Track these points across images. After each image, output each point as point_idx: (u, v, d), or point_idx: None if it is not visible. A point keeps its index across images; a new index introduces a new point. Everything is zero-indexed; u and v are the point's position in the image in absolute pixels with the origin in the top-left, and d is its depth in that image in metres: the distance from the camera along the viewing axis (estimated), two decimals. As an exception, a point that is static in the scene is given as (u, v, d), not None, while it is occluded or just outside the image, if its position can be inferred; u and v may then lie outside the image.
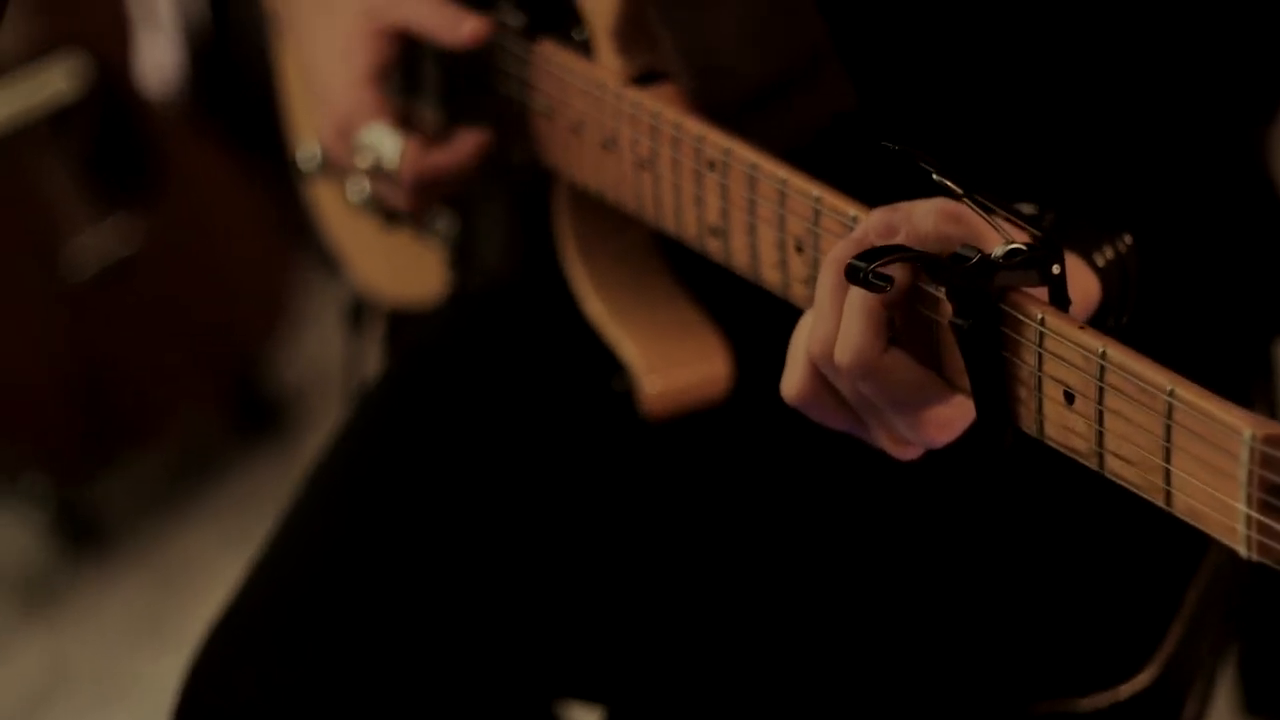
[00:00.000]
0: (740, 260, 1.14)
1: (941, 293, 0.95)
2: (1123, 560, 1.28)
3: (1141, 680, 1.27)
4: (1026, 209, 1.11)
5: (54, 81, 2.72)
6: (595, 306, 1.31)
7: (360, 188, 1.38)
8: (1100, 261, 1.07)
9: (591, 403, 1.36)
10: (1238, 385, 1.32)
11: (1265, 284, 1.23)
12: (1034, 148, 1.21)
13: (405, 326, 1.64)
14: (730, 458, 1.34)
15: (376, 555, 1.32)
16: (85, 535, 2.82)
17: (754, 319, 1.20)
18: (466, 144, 1.33)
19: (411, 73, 1.47)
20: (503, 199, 1.42)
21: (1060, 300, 0.94)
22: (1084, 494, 1.23)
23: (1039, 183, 1.14)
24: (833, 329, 0.97)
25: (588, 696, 1.35)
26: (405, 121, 1.36)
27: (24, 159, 2.73)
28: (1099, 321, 1.08)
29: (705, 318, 1.30)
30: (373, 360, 1.70)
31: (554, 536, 1.33)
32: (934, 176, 0.93)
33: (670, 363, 1.28)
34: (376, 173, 1.32)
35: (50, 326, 2.76)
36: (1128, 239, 1.09)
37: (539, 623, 1.31)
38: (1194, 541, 1.21)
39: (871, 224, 0.97)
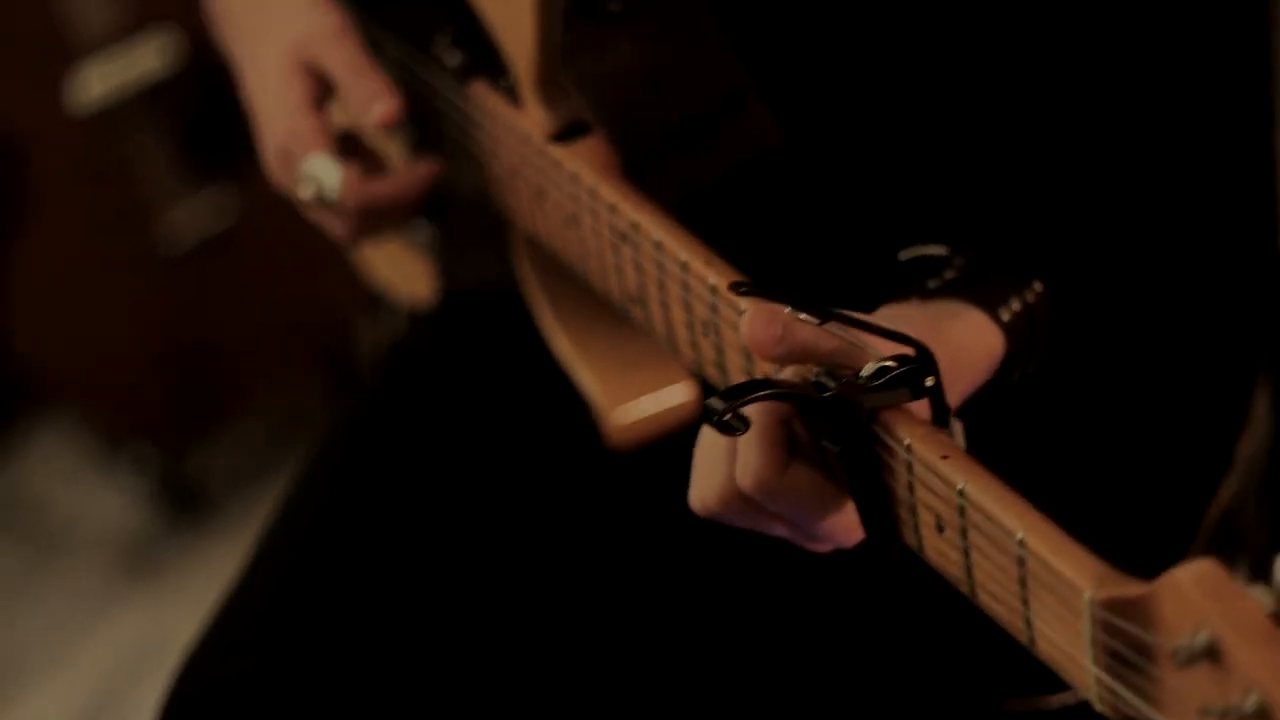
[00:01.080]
0: (659, 332, 1.12)
1: (817, 415, 0.94)
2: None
3: None
4: (937, 250, 1.09)
5: (148, 58, 2.73)
6: (558, 342, 1.31)
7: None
8: (1005, 316, 1.05)
9: (575, 410, 1.35)
10: (1220, 430, 1.29)
11: (1236, 326, 1.20)
12: (955, 185, 1.18)
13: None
14: None
15: (369, 554, 1.33)
16: (186, 503, 2.87)
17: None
18: (409, 175, 1.32)
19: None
20: (475, 211, 1.41)
21: (940, 412, 0.93)
22: (1052, 489, 1.23)
23: (956, 222, 1.12)
24: (724, 457, 0.97)
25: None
26: (349, 148, 1.35)
27: (120, 135, 2.76)
28: (1004, 374, 1.06)
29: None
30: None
31: (540, 537, 1.33)
32: (788, 310, 0.92)
33: (632, 395, 1.27)
34: (319, 203, 1.32)
35: (148, 299, 2.80)
36: (1038, 287, 1.06)
37: (525, 622, 1.32)
38: (1174, 537, 1.21)
39: (757, 332, 0.96)
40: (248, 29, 1.38)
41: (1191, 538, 1.25)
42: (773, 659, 1.26)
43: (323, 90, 1.33)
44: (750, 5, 1.19)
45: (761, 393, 0.91)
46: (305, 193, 1.31)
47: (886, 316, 1.02)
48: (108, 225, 2.76)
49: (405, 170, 1.33)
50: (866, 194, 1.22)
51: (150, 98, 2.74)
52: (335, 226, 1.35)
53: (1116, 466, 1.25)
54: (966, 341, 1.03)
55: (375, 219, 1.34)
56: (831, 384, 0.91)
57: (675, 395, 1.27)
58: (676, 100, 1.17)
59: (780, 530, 0.99)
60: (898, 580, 1.22)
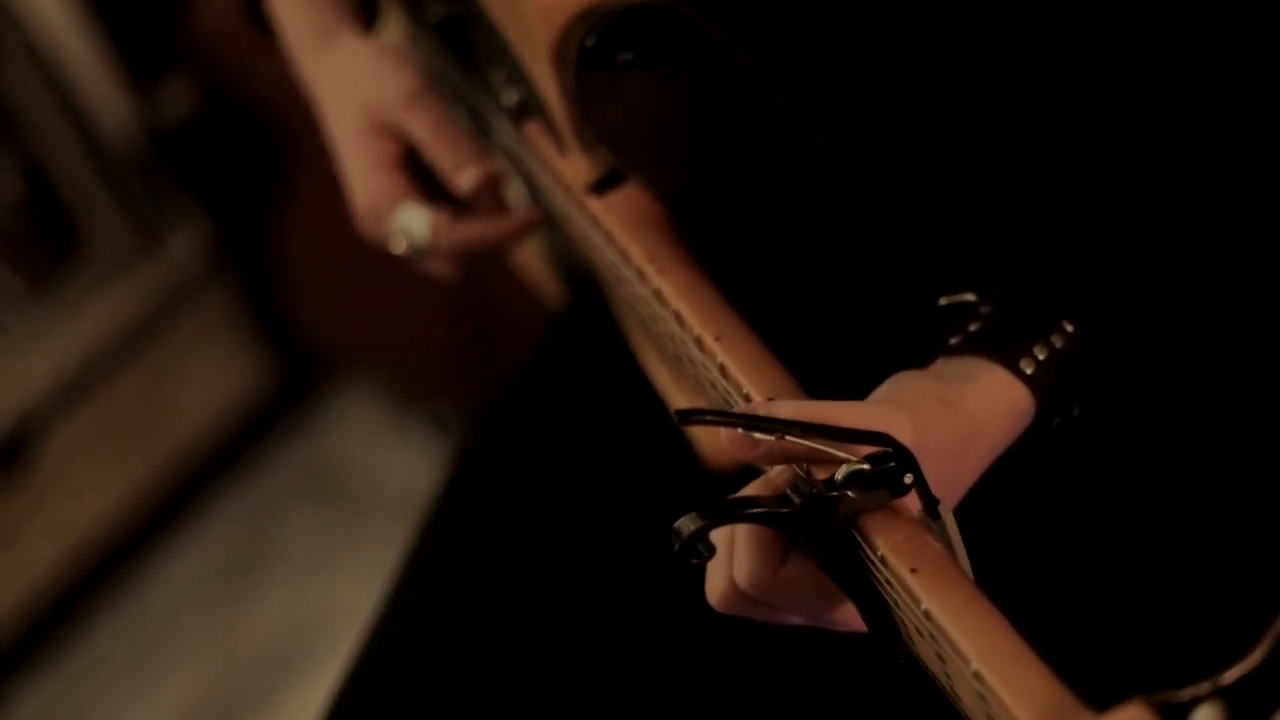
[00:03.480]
0: (697, 394, 1.09)
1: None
2: (1224, 542, 1.19)
3: (1252, 660, 1.18)
4: (969, 298, 1.03)
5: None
6: (652, 375, 1.28)
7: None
8: (1029, 369, 0.99)
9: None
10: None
11: None
12: (981, 224, 1.11)
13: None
14: None
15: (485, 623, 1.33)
16: None
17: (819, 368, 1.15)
18: (500, 224, 1.31)
19: (476, 115, 1.44)
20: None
21: (930, 505, 0.88)
22: (1181, 472, 1.16)
23: (984, 263, 1.06)
24: (725, 555, 0.94)
25: None
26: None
27: None
28: (1041, 426, 1.00)
29: None
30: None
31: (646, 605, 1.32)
32: (742, 430, 0.88)
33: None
34: (414, 254, 1.31)
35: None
36: (1068, 329, 0.99)
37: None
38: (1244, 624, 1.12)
39: (733, 441, 0.93)
40: (322, 82, 1.37)
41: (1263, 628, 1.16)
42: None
43: (404, 150, 1.32)
44: (774, 35, 1.14)
45: (727, 517, 0.87)
46: (399, 247, 1.31)
47: (892, 392, 0.97)
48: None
49: (499, 219, 1.31)
50: (905, 224, 1.16)
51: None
52: (437, 269, 1.35)
53: (1177, 532, 1.16)
54: (985, 404, 0.98)
55: (473, 255, 1.32)
56: (798, 497, 0.87)
57: None
58: (708, 135, 1.13)
59: (795, 620, 0.95)
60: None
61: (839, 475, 0.87)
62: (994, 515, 1.00)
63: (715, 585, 0.95)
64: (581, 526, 1.33)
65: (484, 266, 2.84)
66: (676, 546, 0.88)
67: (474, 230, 1.31)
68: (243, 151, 2.83)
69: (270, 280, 2.93)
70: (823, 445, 0.88)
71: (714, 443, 1.23)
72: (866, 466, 0.87)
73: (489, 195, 1.31)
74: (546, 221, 1.37)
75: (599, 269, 1.21)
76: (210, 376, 2.92)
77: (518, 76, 1.24)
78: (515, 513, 1.37)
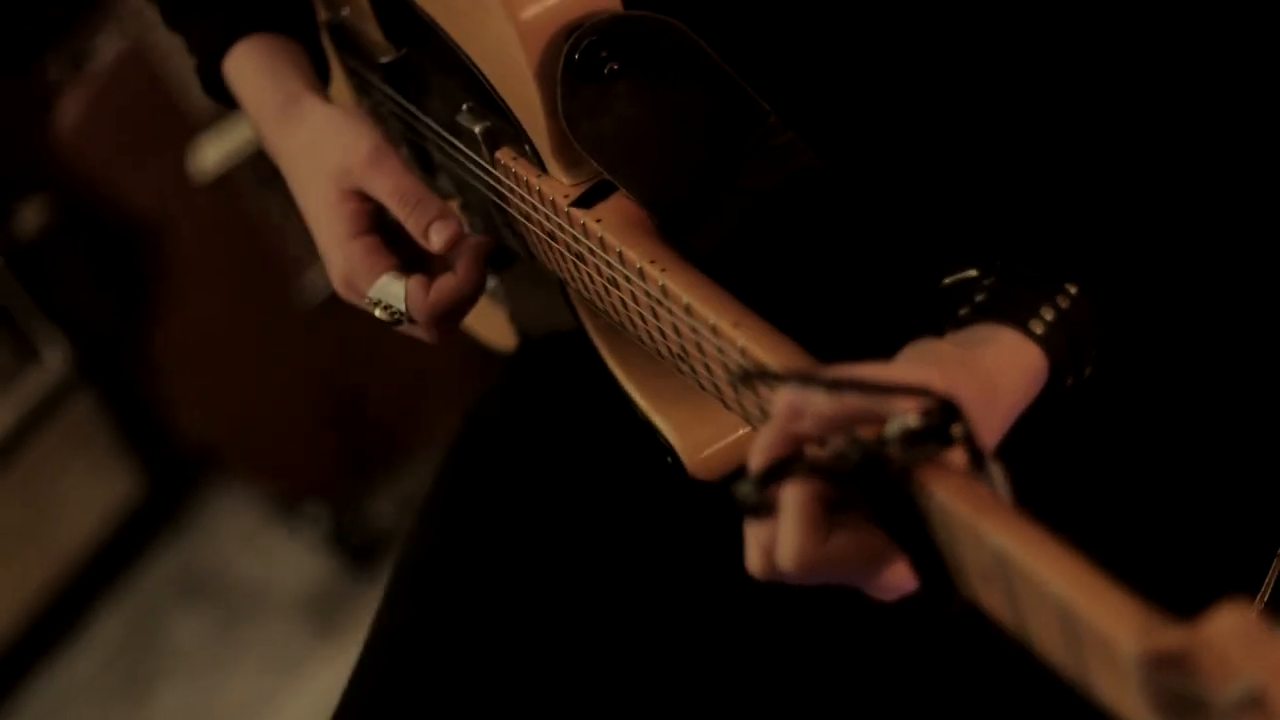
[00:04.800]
0: (707, 388, 1.11)
1: (850, 480, 0.91)
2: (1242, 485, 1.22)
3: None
4: (972, 274, 1.06)
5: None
6: (628, 391, 1.29)
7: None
8: (1039, 329, 1.02)
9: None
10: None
11: None
12: (976, 198, 1.15)
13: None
14: None
15: (476, 603, 1.34)
16: (365, 553, 2.90)
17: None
18: (464, 265, 1.30)
19: (424, 160, 1.46)
20: (529, 262, 1.40)
21: (976, 456, 0.90)
22: (1119, 507, 1.19)
23: (982, 237, 1.09)
24: (769, 531, 0.95)
25: None
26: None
27: (243, 198, 2.80)
28: (1055, 385, 1.03)
29: None
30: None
31: (630, 572, 1.33)
32: (793, 384, 0.89)
33: (709, 435, 1.25)
34: (395, 323, 1.32)
35: (299, 358, 2.84)
36: (1071, 290, 1.03)
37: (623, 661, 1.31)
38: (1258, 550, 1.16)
39: (780, 410, 0.94)
40: (289, 157, 1.37)
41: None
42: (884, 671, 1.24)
43: (373, 213, 1.32)
44: (757, 36, 1.17)
45: (787, 474, 0.89)
46: (379, 314, 1.32)
47: (914, 354, 0.99)
48: (249, 289, 2.80)
49: (460, 262, 1.31)
50: (896, 216, 1.19)
51: (266, 159, 2.78)
52: (418, 335, 1.35)
53: (1188, 477, 1.20)
54: (1001, 365, 1.00)
55: (452, 315, 1.33)
56: (856, 453, 0.88)
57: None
58: (694, 141, 1.15)
59: (840, 583, 0.97)
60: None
61: (889, 431, 0.89)
62: (1017, 476, 1.02)
63: (757, 559, 0.96)
64: (566, 533, 1.35)
65: (358, 366, 2.85)
66: (744, 507, 0.89)
67: (445, 290, 1.31)
68: (105, 261, 2.82)
69: (139, 386, 2.91)
70: (869, 403, 0.89)
71: (694, 451, 1.24)
72: (915, 421, 0.89)
73: (468, 252, 1.31)
74: (501, 259, 1.38)
75: (577, 284, 1.23)
76: (85, 486, 2.88)
77: (487, 105, 1.26)
78: (501, 522, 1.38)
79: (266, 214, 2.81)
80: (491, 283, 1.48)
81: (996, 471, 0.91)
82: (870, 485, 0.89)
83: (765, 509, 0.89)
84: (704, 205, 1.16)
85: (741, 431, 1.24)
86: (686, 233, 1.14)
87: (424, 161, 1.46)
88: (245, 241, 2.82)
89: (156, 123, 2.75)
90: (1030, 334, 1.02)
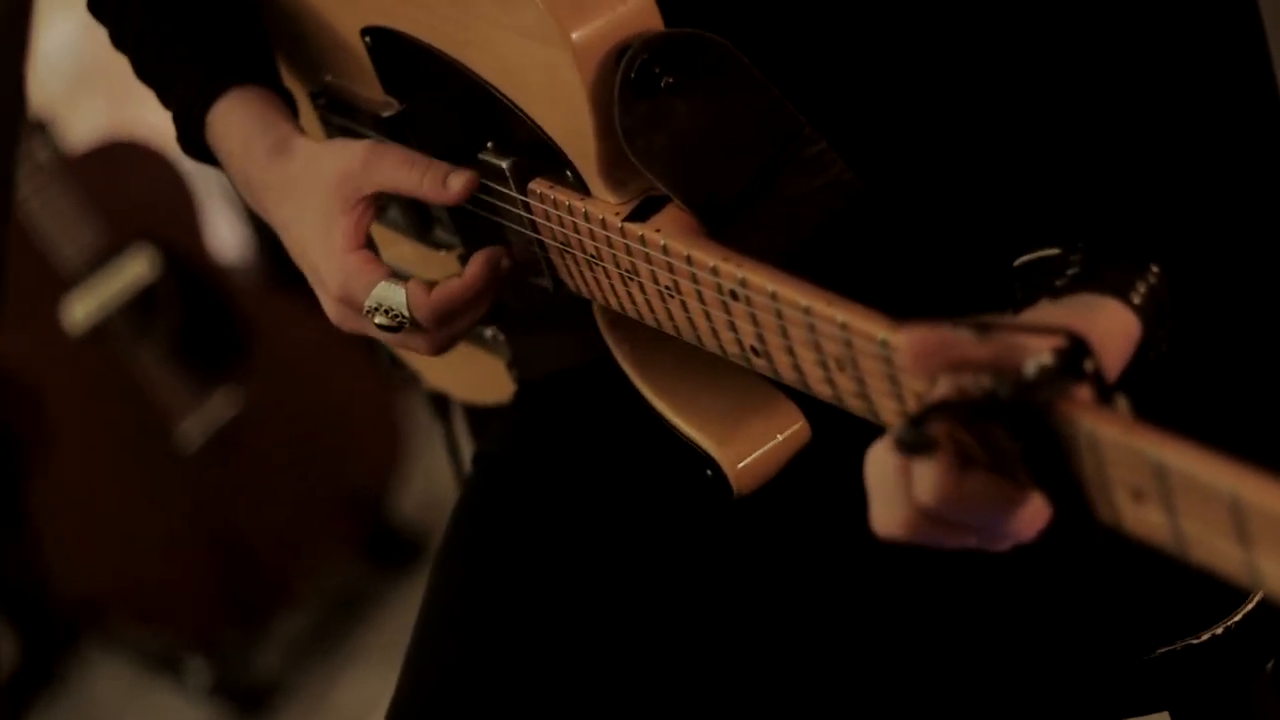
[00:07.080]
0: (788, 377, 1.16)
1: (993, 418, 0.98)
2: None
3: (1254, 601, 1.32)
4: (1052, 251, 1.14)
5: (130, 273, 2.86)
6: (659, 406, 1.34)
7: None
8: (1137, 300, 1.10)
9: (679, 478, 1.39)
10: None
11: None
12: (1048, 187, 1.23)
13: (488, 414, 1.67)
14: (824, 514, 1.38)
15: (506, 668, 1.37)
16: (253, 702, 2.90)
17: None
18: (473, 265, 1.35)
19: (420, 211, 1.50)
20: (539, 300, 1.44)
21: (1104, 391, 0.97)
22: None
23: (1058, 222, 1.17)
24: (902, 481, 1.01)
25: None
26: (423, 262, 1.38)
27: (117, 351, 2.81)
28: (1141, 357, 1.11)
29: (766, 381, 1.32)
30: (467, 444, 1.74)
31: (667, 622, 1.37)
32: (948, 326, 0.96)
33: (749, 445, 1.31)
34: (395, 328, 1.35)
35: (178, 510, 2.85)
36: (1155, 270, 1.11)
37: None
38: None
39: (909, 355, 1.00)
40: (278, 185, 1.40)
41: None
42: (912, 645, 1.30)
43: (367, 225, 1.36)
44: (786, 46, 1.24)
45: (949, 412, 0.95)
46: (379, 321, 1.34)
47: (1026, 318, 1.06)
48: (125, 443, 2.81)
49: (471, 262, 1.35)
50: (964, 210, 1.26)
51: (140, 312, 2.81)
52: (418, 345, 1.38)
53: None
54: (1111, 329, 1.08)
55: (453, 324, 1.36)
56: (1007, 388, 0.95)
57: (790, 432, 1.31)
58: (742, 152, 1.22)
59: (967, 539, 1.03)
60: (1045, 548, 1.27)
61: (1029, 369, 0.96)
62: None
63: (894, 513, 1.02)
64: (588, 562, 1.39)
65: (237, 513, 2.86)
66: (910, 447, 0.95)
67: (449, 289, 1.34)
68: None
69: (12, 548, 2.88)
70: (1005, 343, 0.96)
71: (734, 462, 1.29)
72: (1050, 359, 0.96)
73: (478, 255, 1.35)
74: (498, 312, 1.42)
75: (620, 301, 1.28)
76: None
77: (513, 141, 1.32)
78: (521, 556, 1.41)
79: (141, 363, 2.82)
80: (488, 332, 1.52)
81: (1122, 402, 0.98)
82: (1018, 421, 0.96)
83: (926, 446, 0.95)
84: (749, 212, 1.23)
85: (775, 440, 1.31)
86: (734, 239, 1.20)
87: (419, 216, 1.50)
88: (119, 393, 2.82)
89: (30, 283, 2.76)
90: (1130, 304, 1.10)
